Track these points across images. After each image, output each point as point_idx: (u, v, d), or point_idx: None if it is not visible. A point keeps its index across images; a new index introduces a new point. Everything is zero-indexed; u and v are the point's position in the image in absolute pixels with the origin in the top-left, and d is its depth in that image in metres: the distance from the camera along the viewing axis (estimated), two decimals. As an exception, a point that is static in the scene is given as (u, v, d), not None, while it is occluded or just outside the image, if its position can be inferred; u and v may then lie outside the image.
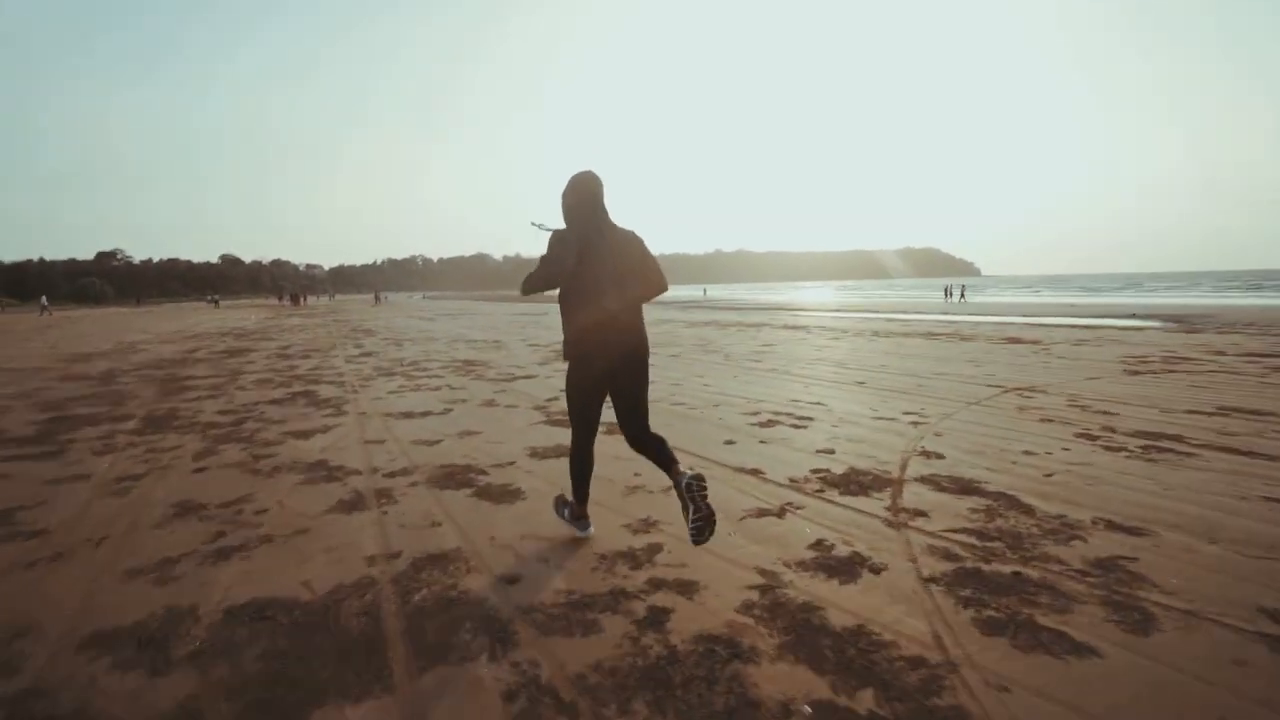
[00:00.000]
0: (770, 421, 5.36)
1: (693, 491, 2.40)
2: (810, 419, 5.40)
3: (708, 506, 2.42)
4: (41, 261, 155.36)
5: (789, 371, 8.47)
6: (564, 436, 4.44)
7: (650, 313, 26.52)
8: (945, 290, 43.78)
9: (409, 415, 5.98)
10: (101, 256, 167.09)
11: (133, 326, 25.24)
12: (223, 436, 5.22)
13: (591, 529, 2.93)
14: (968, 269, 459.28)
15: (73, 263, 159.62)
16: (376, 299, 64.08)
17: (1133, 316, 20.61)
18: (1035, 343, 11.66)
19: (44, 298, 53.81)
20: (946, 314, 25.03)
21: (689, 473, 2.45)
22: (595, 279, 2.55)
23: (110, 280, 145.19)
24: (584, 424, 2.74)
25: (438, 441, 4.95)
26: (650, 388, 2.79)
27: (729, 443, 4.70)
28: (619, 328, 2.59)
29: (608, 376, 2.65)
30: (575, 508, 2.90)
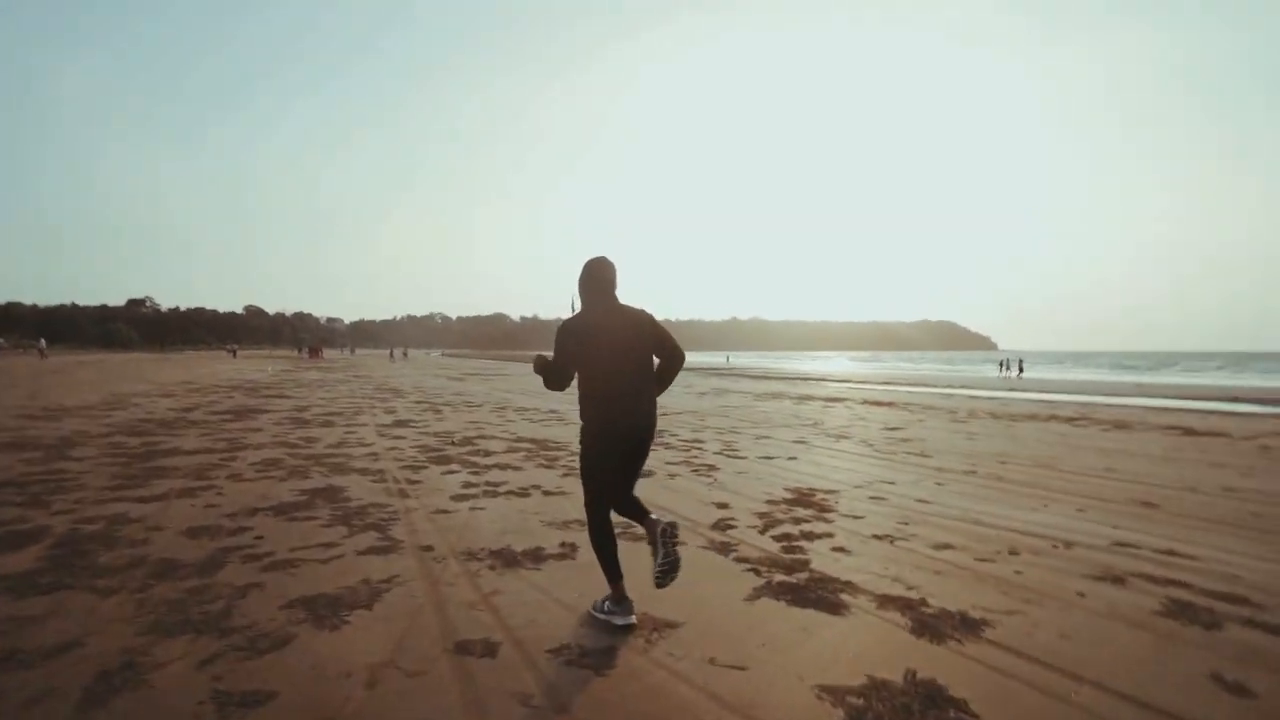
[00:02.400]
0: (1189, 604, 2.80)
1: (666, 537, 2.54)
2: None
3: (676, 554, 2.55)
4: (73, 306, 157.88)
5: (993, 475, 5.90)
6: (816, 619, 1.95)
7: (700, 381, 24.31)
8: (1001, 364, 41.17)
9: (512, 558, 3.48)
10: (131, 303, 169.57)
11: (138, 375, 23.21)
12: (172, 608, 2.74)
13: (634, 617, 2.64)
14: (984, 343, 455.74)
15: (103, 308, 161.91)
16: (392, 356, 62.65)
17: (1234, 400, 18.13)
18: (1223, 435, 9.07)
19: (41, 340, 52.64)
20: (1019, 391, 22.44)
21: (663, 520, 2.60)
22: (609, 363, 2.62)
23: (137, 326, 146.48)
24: (601, 502, 2.71)
25: (609, 653, 2.45)
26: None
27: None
28: (629, 409, 2.64)
29: (624, 454, 2.68)
30: (613, 590, 2.69)
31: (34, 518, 4.10)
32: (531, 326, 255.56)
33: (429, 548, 3.60)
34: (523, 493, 5.04)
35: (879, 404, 15.11)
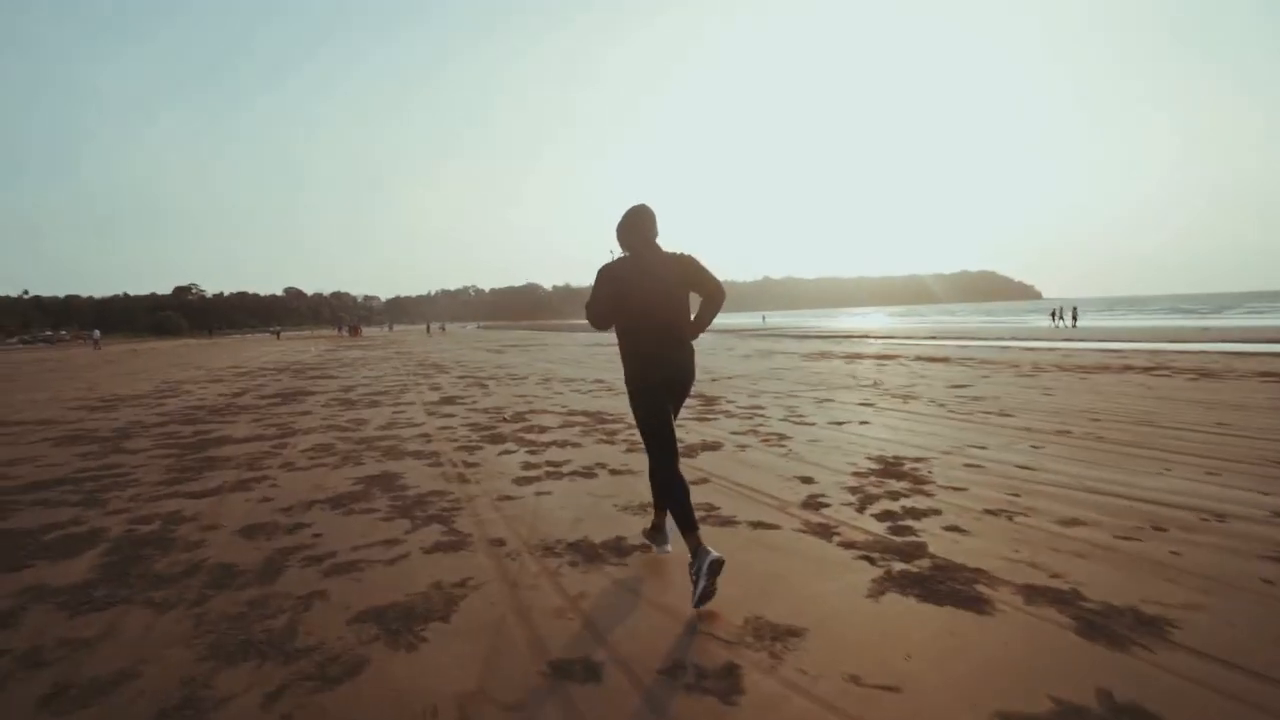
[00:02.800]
0: None
1: (713, 573, 2.37)
2: None
3: (715, 589, 2.39)
4: (126, 297, 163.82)
5: (1091, 435, 5.34)
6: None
7: (740, 344, 23.75)
8: (1053, 313, 39.37)
9: (593, 551, 3.16)
10: (178, 291, 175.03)
11: (189, 361, 23.72)
12: (233, 625, 2.48)
13: (669, 546, 2.94)
14: (1029, 293, 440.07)
15: (153, 297, 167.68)
16: (429, 329, 63.53)
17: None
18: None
19: (95, 331, 54.80)
20: (1078, 340, 21.30)
21: (713, 552, 2.39)
22: (644, 306, 2.66)
23: (185, 313, 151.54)
24: (661, 444, 2.71)
25: (731, 674, 2.10)
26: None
27: None
28: (673, 344, 2.68)
29: (663, 394, 2.71)
30: (657, 517, 2.96)
31: (90, 519, 3.94)
32: (564, 295, 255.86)
33: (500, 541, 3.30)
34: (588, 473, 4.72)
35: (934, 360, 14.43)
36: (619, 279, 2.66)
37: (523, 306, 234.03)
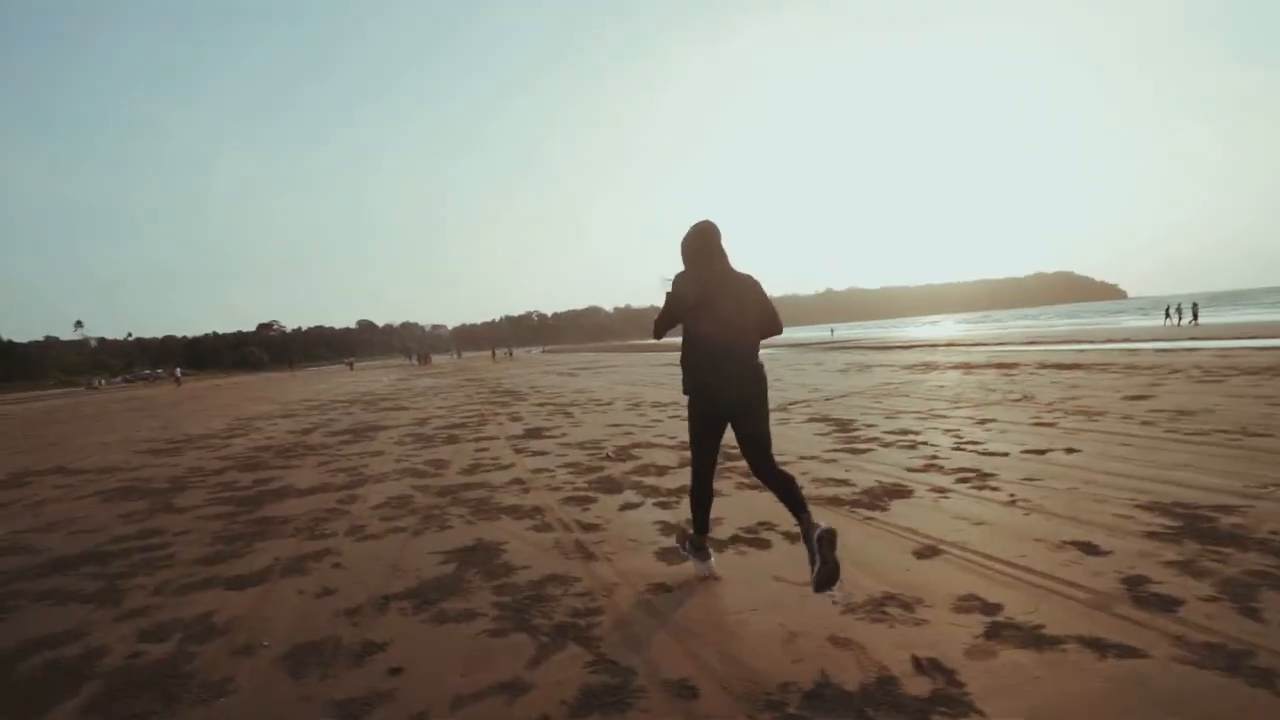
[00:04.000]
0: None
1: (823, 545, 2.34)
2: None
3: (835, 560, 2.35)
4: (214, 335, 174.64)
5: None
6: None
7: (826, 358, 22.00)
8: (1167, 311, 35.58)
9: (856, 708, 1.79)
10: (261, 327, 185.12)
11: (265, 394, 23.82)
12: None
13: (712, 563, 2.90)
14: (1112, 292, 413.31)
15: (239, 334, 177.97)
16: (494, 355, 64.13)
17: None
18: None
19: (178, 369, 57.14)
20: (1213, 339, 18.49)
21: (822, 525, 2.40)
22: (713, 319, 2.62)
23: (267, 348, 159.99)
24: (703, 455, 2.76)
25: None
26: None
27: None
28: (737, 365, 2.63)
29: (727, 412, 2.67)
30: (695, 539, 2.89)
31: (95, 626, 2.87)
32: (625, 316, 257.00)
33: (690, 689, 1.99)
34: (755, 539, 3.39)
35: (1065, 366, 12.47)
36: (694, 292, 2.62)
37: (585, 329, 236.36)
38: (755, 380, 2.67)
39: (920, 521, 3.52)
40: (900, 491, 4.16)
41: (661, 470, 5.27)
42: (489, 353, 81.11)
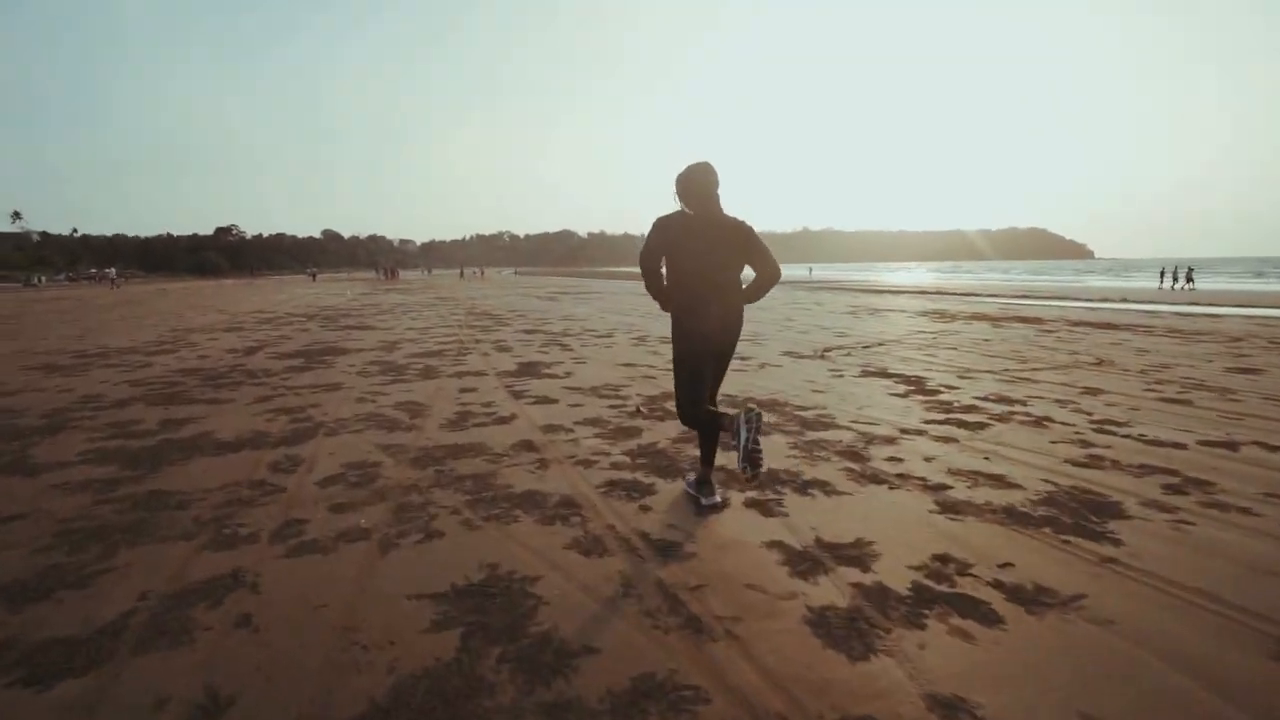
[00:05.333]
0: None
1: (751, 424, 2.41)
2: None
3: (757, 443, 2.42)
4: (168, 236, 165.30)
5: None
6: None
7: (830, 298, 20.65)
8: (1162, 273, 34.98)
9: None
10: (219, 232, 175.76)
11: (214, 303, 21.62)
12: None
13: (718, 497, 2.83)
14: (1081, 252, 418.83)
15: (194, 237, 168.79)
16: (462, 274, 61.65)
17: None
18: None
19: (112, 270, 52.56)
20: (1217, 306, 17.72)
21: (750, 407, 2.44)
22: (696, 262, 2.64)
23: (225, 253, 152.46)
24: (694, 394, 2.74)
25: None
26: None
27: None
28: (721, 305, 2.67)
29: (707, 355, 2.72)
30: (701, 470, 2.88)
31: None
32: (599, 242, 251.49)
33: None
34: (934, 571, 2.02)
35: (1097, 326, 11.45)
36: (677, 232, 2.65)
37: (558, 253, 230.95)
38: (734, 324, 2.73)
39: (1188, 572, 2.21)
40: (1103, 505, 2.84)
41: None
42: (458, 271, 78.12)
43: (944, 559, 2.33)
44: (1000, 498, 2.95)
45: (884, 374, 6.36)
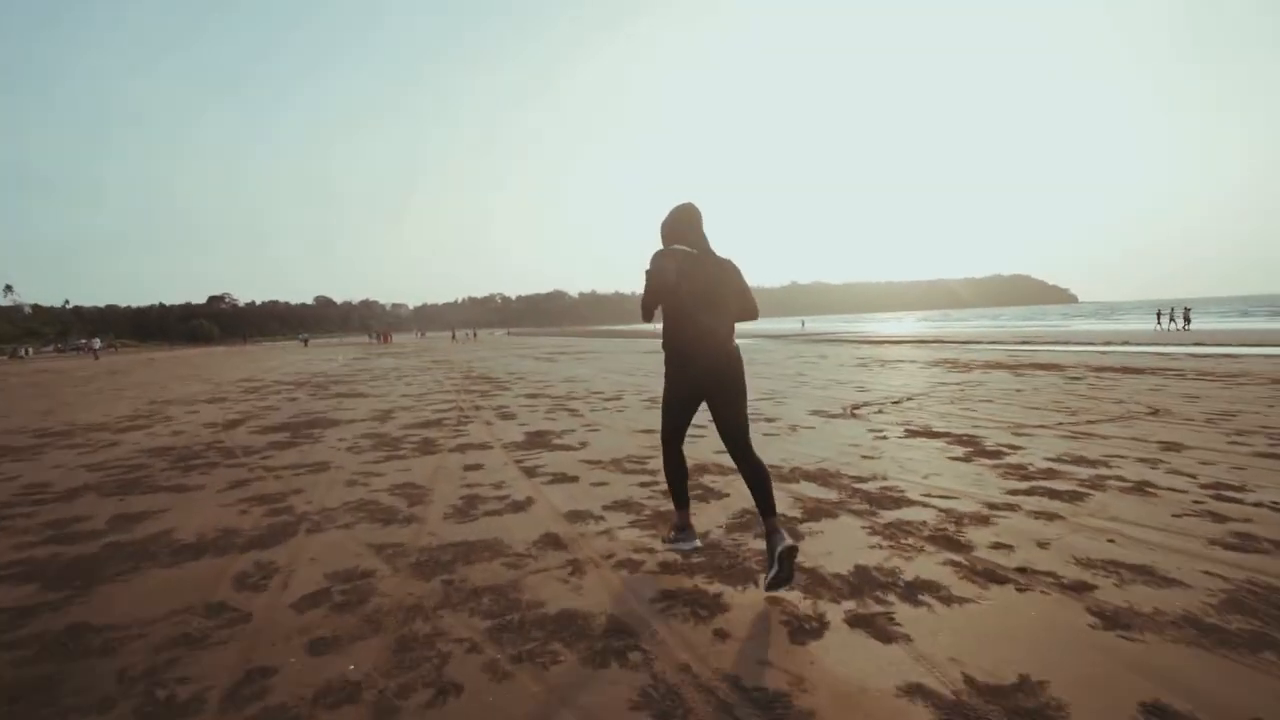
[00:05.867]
0: None
1: (785, 560, 2.38)
2: None
3: (791, 572, 2.41)
4: (161, 306, 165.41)
5: None
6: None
7: (833, 351, 20.20)
8: (1158, 315, 34.96)
9: None
10: (212, 300, 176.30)
11: (199, 373, 20.94)
12: None
13: (698, 542, 2.94)
14: (1064, 296, 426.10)
15: (187, 306, 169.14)
16: (454, 336, 61.49)
17: None
18: None
19: (96, 340, 51.53)
20: (1220, 345, 17.38)
21: (788, 539, 2.41)
22: (693, 299, 2.62)
23: (218, 321, 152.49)
24: (672, 427, 2.79)
25: None
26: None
27: None
28: (714, 345, 2.65)
29: (702, 390, 2.70)
30: (677, 517, 2.92)
31: None
32: (590, 301, 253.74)
33: None
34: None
35: (1125, 371, 10.95)
36: (681, 269, 2.60)
37: (550, 313, 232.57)
38: (730, 362, 2.68)
39: None
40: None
41: (788, 521, 3.23)
42: (449, 333, 77.97)
43: (1161, 713, 1.68)
44: (1168, 601, 2.31)
45: (930, 433, 5.77)
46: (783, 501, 3.76)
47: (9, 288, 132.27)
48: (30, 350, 72.37)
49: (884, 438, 5.71)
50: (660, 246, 2.73)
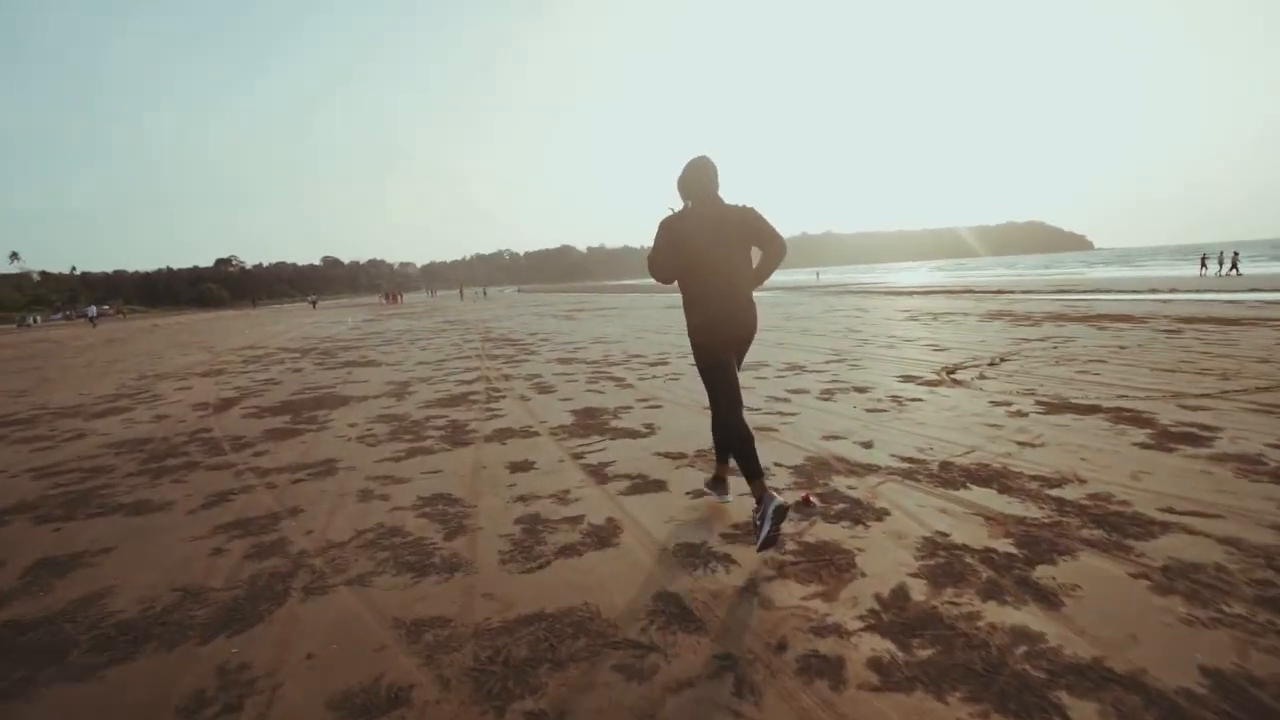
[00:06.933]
0: None
1: (776, 517, 2.30)
2: None
3: (779, 532, 2.34)
4: (168, 270, 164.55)
5: None
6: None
7: (867, 305, 18.83)
8: (1203, 260, 33.09)
9: None
10: (219, 263, 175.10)
11: (202, 339, 19.96)
12: None
13: (730, 497, 2.95)
14: (1081, 243, 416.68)
15: (194, 269, 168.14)
16: (461, 294, 60.41)
17: None
18: None
19: (92, 307, 50.27)
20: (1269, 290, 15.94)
21: (779, 497, 2.35)
22: (706, 259, 2.59)
23: (226, 284, 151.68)
24: (727, 395, 2.66)
25: None
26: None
27: None
28: (732, 303, 2.62)
29: (729, 345, 2.66)
30: (720, 470, 2.93)
31: None
32: (599, 256, 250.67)
33: None
34: None
35: (1222, 322, 9.70)
36: (680, 232, 2.62)
37: (559, 269, 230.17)
38: (749, 320, 2.66)
39: None
40: None
41: (1006, 561, 2.12)
42: (457, 291, 76.84)
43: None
44: None
45: (1073, 406, 4.63)
46: (970, 525, 2.64)
47: (15, 255, 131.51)
48: (38, 319, 71.94)
49: (1021, 413, 4.57)
50: (678, 203, 2.70)
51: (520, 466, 3.81)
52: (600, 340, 11.33)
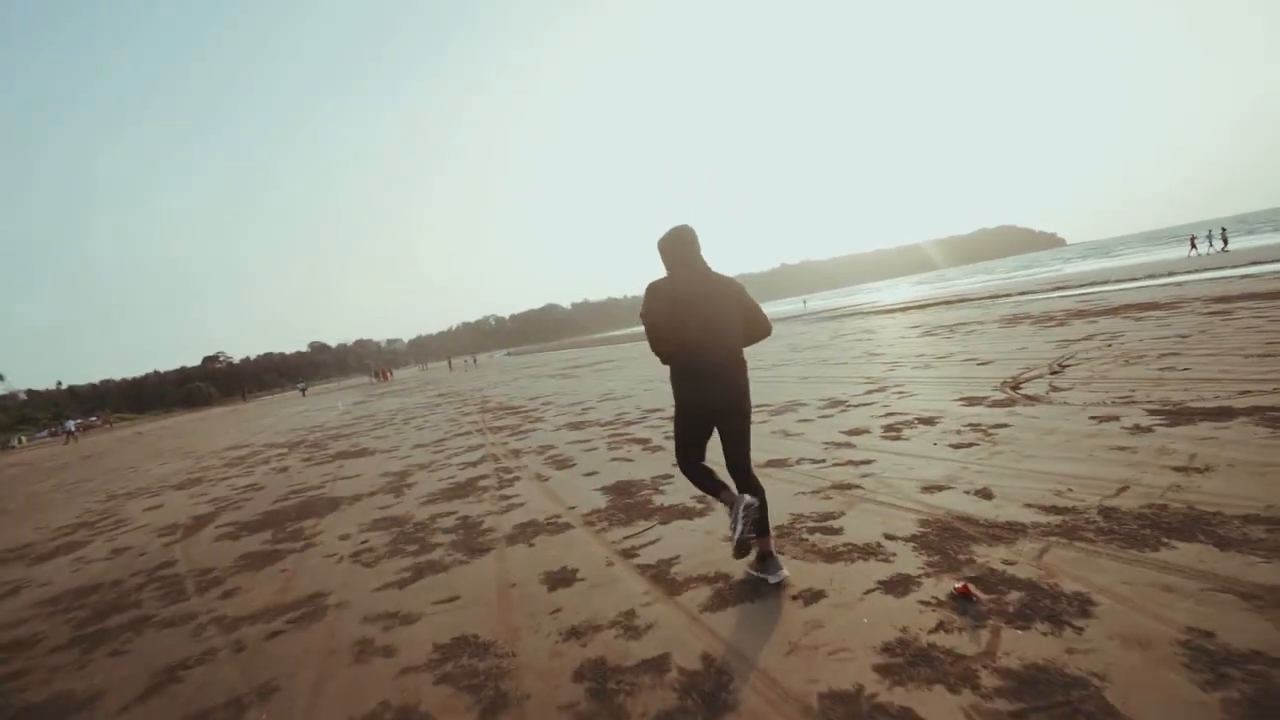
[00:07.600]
0: None
1: (748, 513, 2.37)
2: None
3: (748, 538, 2.42)
4: (156, 374, 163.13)
5: None
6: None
7: (877, 325, 18.21)
8: (1192, 240, 32.97)
9: None
10: (206, 360, 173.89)
11: (185, 443, 18.97)
12: None
13: (785, 572, 2.65)
14: (1052, 241, 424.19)
15: (182, 370, 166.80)
16: (450, 365, 59.90)
17: None
18: None
19: (70, 422, 49.05)
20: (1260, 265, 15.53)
21: (747, 497, 2.43)
22: (693, 320, 2.53)
23: (215, 381, 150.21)
24: (690, 449, 2.66)
25: None
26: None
27: None
28: (717, 363, 2.54)
29: (712, 417, 2.61)
30: (725, 494, 2.62)
31: None
32: (584, 311, 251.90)
33: None
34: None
35: (1236, 298, 9.10)
36: (676, 297, 2.55)
37: (546, 327, 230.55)
38: (739, 382, 2.58)
39: None
40: None
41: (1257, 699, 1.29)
42: (445, 362, 76.16)
43: None
44: None
45: (1206, 412, 3.87)
46: (1228, 611, 1.81)
47: (0, 377, 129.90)
48: (23, 439, 70.29)
49: (1141, 428, 3.83)
50: (657, 273, 2.68)
51: (560, 579, 2.97)
52: (607, 397, 10.53)
